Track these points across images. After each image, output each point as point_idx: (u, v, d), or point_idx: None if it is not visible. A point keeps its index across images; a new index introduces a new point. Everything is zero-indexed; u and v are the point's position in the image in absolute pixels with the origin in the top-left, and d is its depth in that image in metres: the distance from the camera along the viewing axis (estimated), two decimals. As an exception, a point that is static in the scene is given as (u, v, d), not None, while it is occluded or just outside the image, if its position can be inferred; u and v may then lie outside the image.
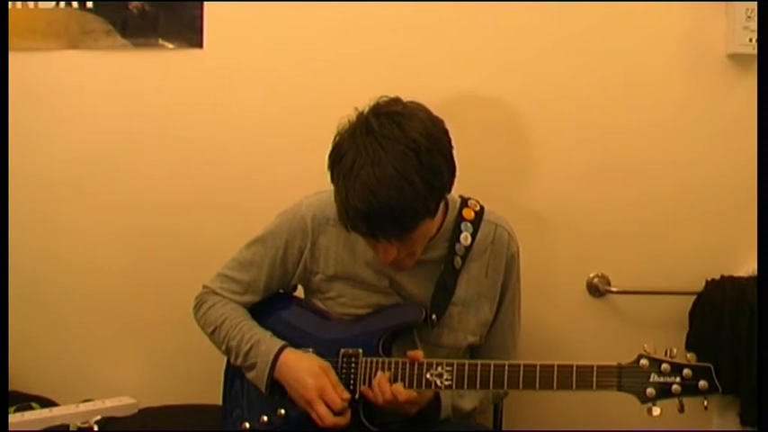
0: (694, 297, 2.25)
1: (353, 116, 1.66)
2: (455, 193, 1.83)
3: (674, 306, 2.27)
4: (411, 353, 1.71)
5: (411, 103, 1.67)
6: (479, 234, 1.82)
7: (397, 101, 1.67)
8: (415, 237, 1.66)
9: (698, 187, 2.27)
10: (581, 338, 2.28)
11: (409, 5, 2.21)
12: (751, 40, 2.17)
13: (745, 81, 2.22)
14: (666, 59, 2.24)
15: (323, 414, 1.69)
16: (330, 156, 1.65)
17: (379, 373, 1.70)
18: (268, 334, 1.81)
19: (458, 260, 1.80)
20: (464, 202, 1.85)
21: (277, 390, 1.78)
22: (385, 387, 1.68)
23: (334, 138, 1.66)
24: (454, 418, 1.80)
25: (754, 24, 2.16)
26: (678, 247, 2.28)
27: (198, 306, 1.91)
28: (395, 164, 1.56)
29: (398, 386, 1.68)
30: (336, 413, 1.70)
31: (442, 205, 1.80)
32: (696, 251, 2.27)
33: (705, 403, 1.57)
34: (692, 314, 2.26)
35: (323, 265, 1.83)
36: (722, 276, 2.24)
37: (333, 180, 1.65)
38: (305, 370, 1.73)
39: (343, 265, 1.82)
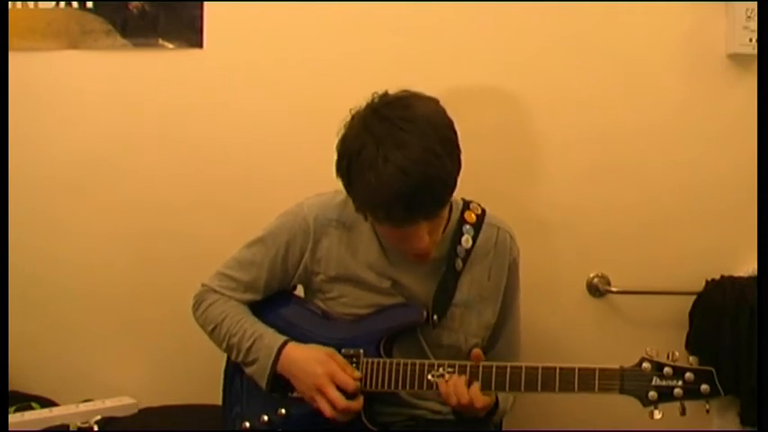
0: (694, 297, 2.25)
1: (349, 118, 1.67)
2: (457, 193, 1.83)
3: (674, 306, 2.27)
4: (475, 351, 1.70)
5: (401, 91, 1.69)
6: (481, 237, 1.83)
7: (387, 93, 1.69)
8: (442, 216, 1.70)
9: (698, 187, 2.27)
10: (581, 338, 2.29)
11: (409, 5, 2.21)
12: (751, 40, 2.17)
13: (745, 81, 2.22)
14: (666, 59, 2.24)
15: (335, 398, 1.69)
16: (342, 157, 1.65)
17: (455, 377, 1.67)
18: (270, 330, 1.81)
19: (458, 262, 1.81)
20: (466, 204, 1.86)
21: (277, 385, 1.78)
22: (462, 390, 1.65)
23: (340, 141, 1.66)
24: (498, 417, 1.82)
25: (754, 24, 2.16)
26: (678, 247, 2.28)
27: (197, 304, 1.91)
28: (418, 142, 1.58)
29: (477, 391, 1.65)
30: (349, 396, 1.70)
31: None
32: (696, 251, 2.27)
33: (707, 407, 1.58)
34: (692, 314, 2.26)
35: (324, 266, 1.83)
36: (722, 276, 2.24)
37: (351, 179, 1.64)
38: (311, 359, 1.74)
39: (345, 266, 1.82)
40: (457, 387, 1.66)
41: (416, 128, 1.60)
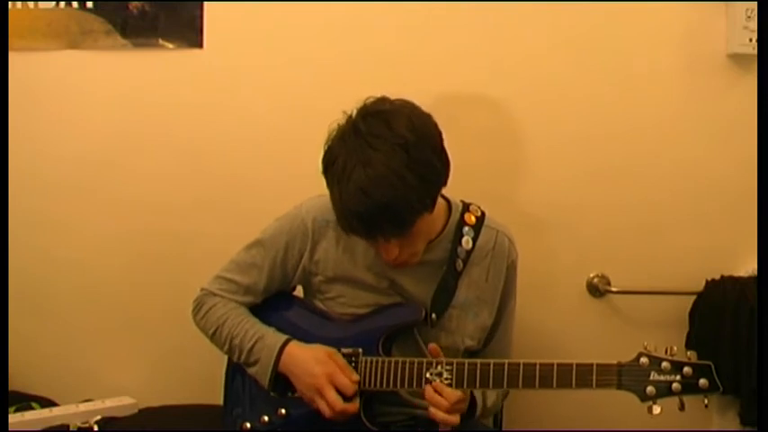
0: (694, 297, 2.25)
1: (343, 120, 1.66)
2: (455, 195, 1.83)
3: (674, 306, 2.27)
4: (432, 345, 1.70)
5: (398, 100, 1.68)
6: (480, 239, 1.82)
7: (383, 100, 1.67)
8: (415, 233, 1.67)
9: (698, 187, 2.27)
10: (581, 338, 2.28)
11: (409, 6, 2.21)
12: (751, 40, 2.17)
13: (745, 81, 2.22)
14: (666, 59, 2.24)
15: (332, 400, 1.69)
16: (323, 162, 1.66)
17: (447, 388, 1.66)
18: (272, 330, 1.81)
19: (459, 263, 1.80)
20: (466, 206, 1.85)
21: (279, 385, 1.78)
22: (448, 393, 1.65)
23: (325, 144, 1.66)
24: (481, 414, 1.81)
25: (754, 24, 2.16)
26: (678, 247, 2.28)
27: (197, 309, 1.90)
28: (384, 161, 1.57)
29: (453, 390, 1.66)
30: (346, 399, 1.70)
31: (445, 207, 1.81)
32: (696, 251, 2.27)
33: (705, 401, 1.57)
34: (692, 314, 2.26)
35: (322, 267, 1.83)
36: (722, 276, 2.24)
37: (328, 185, 1.65)
38: (312, 359, 1.73)
39: (343, 268, 1.82)
40: (443, 392, 1.66)
41: (385, 147, 1.58)
